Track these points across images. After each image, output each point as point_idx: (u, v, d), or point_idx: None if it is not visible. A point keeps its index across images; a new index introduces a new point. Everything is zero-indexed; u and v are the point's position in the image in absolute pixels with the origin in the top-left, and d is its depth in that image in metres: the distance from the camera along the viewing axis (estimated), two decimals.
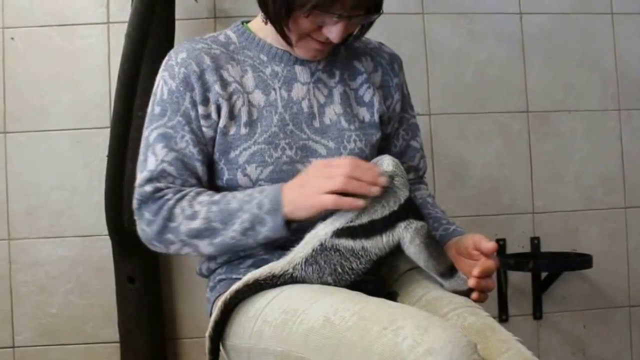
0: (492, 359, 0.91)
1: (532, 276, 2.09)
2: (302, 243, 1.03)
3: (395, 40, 2.03)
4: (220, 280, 1.15)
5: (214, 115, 1.11)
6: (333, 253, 0.99)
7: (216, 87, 1.11)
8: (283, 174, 1.10)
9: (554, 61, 2.14)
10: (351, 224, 0.99)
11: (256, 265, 1.11)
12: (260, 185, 1.10)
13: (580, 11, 2.15)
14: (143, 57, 1.69)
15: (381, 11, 1.09)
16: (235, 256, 1.14)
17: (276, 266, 1.04)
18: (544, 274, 2.07)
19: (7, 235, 1.98)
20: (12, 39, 1.98)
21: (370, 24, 1.13)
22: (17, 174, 1.98)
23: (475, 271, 1.01)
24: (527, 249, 2.12)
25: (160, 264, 1.96)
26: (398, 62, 1.26)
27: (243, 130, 1.11)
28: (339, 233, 0.99)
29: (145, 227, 1.09)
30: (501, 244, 2.10)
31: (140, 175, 1.09)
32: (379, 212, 1.00)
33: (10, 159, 1.98)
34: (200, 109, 1.10)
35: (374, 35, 1.21)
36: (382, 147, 1.23)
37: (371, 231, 0.99)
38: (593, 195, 2.16)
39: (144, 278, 1.87)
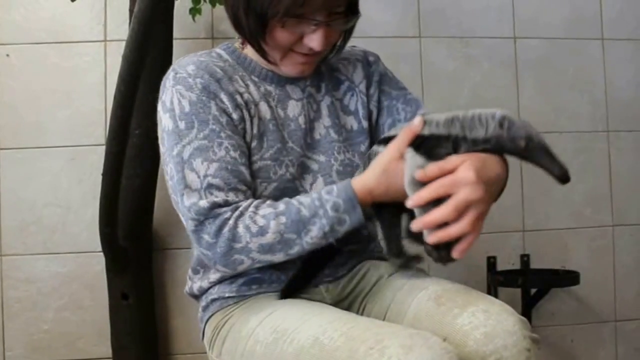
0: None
1: (521, 292, 2.10)
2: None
3: (391, 63, 2.02)
4: (213, 300, 1.14)
5: (246, 117, 1.08)
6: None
7: (237, 97, 1.08)
8: (284, 191, 1.10)
9: (546, 84, 2.17)
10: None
11: (248, 284, 1.12)
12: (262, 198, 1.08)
13: (572, 36, 2.19)
14: (139, 78, 1.66)
15: (359, 14, 1.07)
16: (228, 275, 1.13)
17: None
18: (533, 290, 2.09)
19: (0, 251, 1.98)
20: (7, 55, 1.98)
21: (351, 31, 1.12)
22: (11, 190, 1.98)
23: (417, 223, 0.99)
24: (517, 265, 2.14)
25: (154, 280, 1.96)
26: (373, 55, 1.25)
27: (253, 143, 1.09)
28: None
29: (205, 250, 1.02)
30: (492, 261, 2.13)
31: (187, 196, 1.01)
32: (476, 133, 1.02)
33: (4, 175, 1.98)
34: (235, 115, 1.07)
35: None
36: (389, 124, 1.21)
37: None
38: (582, 213, 2.19)
39: (137, 294, 1.87)
